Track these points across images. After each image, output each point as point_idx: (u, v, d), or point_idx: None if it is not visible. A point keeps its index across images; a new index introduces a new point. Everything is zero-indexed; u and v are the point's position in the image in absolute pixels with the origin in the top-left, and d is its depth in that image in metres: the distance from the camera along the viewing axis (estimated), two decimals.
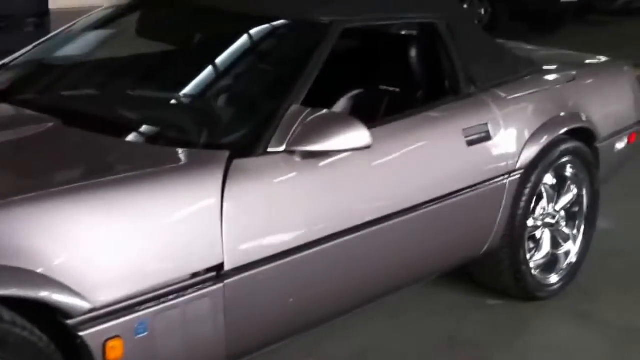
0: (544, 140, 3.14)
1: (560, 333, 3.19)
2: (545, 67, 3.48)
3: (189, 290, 2.09)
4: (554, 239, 3.44)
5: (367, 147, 2.38)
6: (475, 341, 3.08)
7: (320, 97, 3.29)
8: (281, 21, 2.88)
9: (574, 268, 3.46)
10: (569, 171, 3.39)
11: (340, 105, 3.33)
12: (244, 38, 2.85)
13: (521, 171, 3.06)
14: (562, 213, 3.41)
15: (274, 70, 2.85)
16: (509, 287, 3.29)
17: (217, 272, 2.15)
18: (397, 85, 3.24)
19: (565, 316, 3.32)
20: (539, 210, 3.33)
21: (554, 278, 3.39)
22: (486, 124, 2.95)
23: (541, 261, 3.38)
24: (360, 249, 2.56)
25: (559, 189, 3.40)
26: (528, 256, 3.28)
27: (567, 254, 3.47)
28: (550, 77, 3.41)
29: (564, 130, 3.24)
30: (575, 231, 3.48)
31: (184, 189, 2.16)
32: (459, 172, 2.84)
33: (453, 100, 2.97)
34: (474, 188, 2.87)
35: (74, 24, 3.25)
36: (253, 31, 2.86)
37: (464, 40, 3.09)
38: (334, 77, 3.35)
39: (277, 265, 2.28)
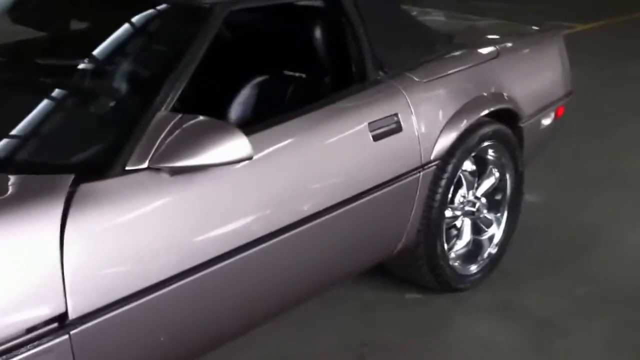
0: (462, 125, 2.92)
1: (481, 327, 3.02)
2: (465, 44, 3.25)
3: (25, 348, 1.75)
4: (475, 226, 3.27)
5: (248, 159, 2.09)
6: (389, 346, 2.89)
7: (220, 88, 3.08)
8: (153, 8, 2.50)
9: (497, 253, 3.30)
10: (490, 155, 3.20)
11: (244, 95, 3.06)
12: (104, 29, 2.46)
13: (437, 162, 2.85)
14: (483, 199, 3.23)
15: (138, 69, 2.45)
16: (428, 281, 3.11)
17: (60, 322, 1.81)
18: (304, 71, 2.97)
19: (487, 307, 3.15)
20: (458, 199, 3.14)
21: (475, 267, 3.22)
22: (396, 114, 2.71)
23: (462, 251, 3.21)
24: (253, 267, 2.29)
25: (479, 174, 3.21)
26: (447, 247, 3.10)
27: (491, 239, 3.30)
28: (470, 55, 3.18)
29: (484, 113, 3.03)
30: (498, 215, 3.31)
31: (14, 227, 1.78)
32: (365, 171, 2.60)
33: (358, 89, 2.72)
34: (382, 186, 2.64)
35: None
36: (117, 20, 2.45)
37: (373, 16, 2.83)
38: (235, 64, 3.10)
39: (139, 304, 1.95)
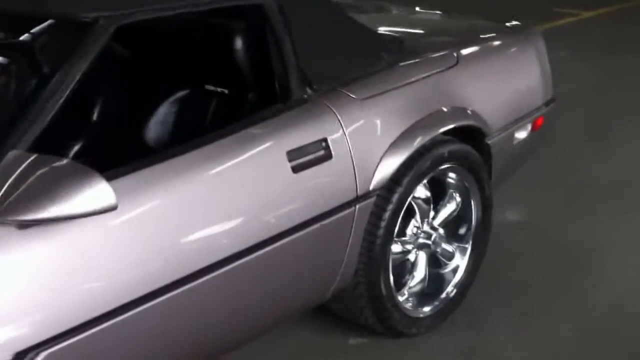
0: (411, 148, 2.50)
1: None
2: (418, 50, 2.81)
3: None
4: (434, 259, 2.85)
5: (112, 209, 1.71)
6: None
7: (139, 106, 2.70)
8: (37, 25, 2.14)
9: (460, 291, 2.88)
10: (450, 178, 2.78)
11: (163, 113, 2.67)
12: None
13: (378, 192, 2.43)
14: (441, 230, 2.81)
15: (4, 97, 2.10)
16: (373, 324, 2.69)
17: None
18: (227, 86, 2.57)
19: (447, 355, 2.74)
20: (410, 231, 2.72)
21: (430, 309, 2.79)
22: (324, 139, 2.29)
23: (417, 288, 2.80)
24: (140, 327, 1.93)
25: (436, 201, 2.79)
26: (395, 286, 2.68)
27: (455, 271, 2.88)
28: (422, 64, 2.73)
29: (439, 131, 2.60)
30: (463, 244, 2.89)
31: None
32: (283, 208, 2.18)
33: (278, 111, 2.29)
34: (305, 226, 2.22)
35: None
36: None
37: (302, 22, 2.40)
38: (154, 80, 2.72)
39: None
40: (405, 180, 2.50)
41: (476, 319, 2.90)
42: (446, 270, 2.89)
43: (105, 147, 2.68)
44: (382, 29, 2.97)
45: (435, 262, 2.86)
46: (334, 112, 2.35)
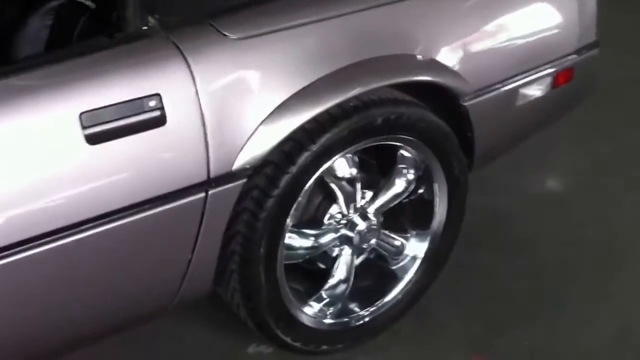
0: (311, 112, 1.74)
1: None
2: None
3: None
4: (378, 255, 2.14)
5: None
6: None
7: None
8: None
9: (410, 296, 2.16)
10: (403, 150, 2.02)
11: (34, 27, 2.06)
12: None
13: (247, 173, 1.71)
14: (373, 219, 2.04)
15: None
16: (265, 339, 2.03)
17: None
18: None
19: None
20: (328, 219, 2.00)
21: (355, 319, 2.09)
22: (155, 96, 1.58)
23: (337, 292, 2.07)
24: None
25: (370, 180, 2.05)
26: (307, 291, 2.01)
27: (404, 270, 2.16)
28: None
29: (360, 89, 1.80)
30: (419, 238, 2.14)
31: None
32: (80, 191, 1.53)
33: (101, 47, 1.59)
34: (115, 216, 1.57)
35: None
36: None
37: None
38: None
39: None
40: (302, 157, 1.76)
41: (419, 331, 2.18)
42: (395, 268, 2.16)
43: None
44: None
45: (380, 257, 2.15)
46: (183, 56, 1.62)
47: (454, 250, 2.20)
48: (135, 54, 1.61)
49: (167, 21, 1.66)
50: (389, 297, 2.13)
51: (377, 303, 2.12)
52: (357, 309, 2.10)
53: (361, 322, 2.10)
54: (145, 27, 1.63)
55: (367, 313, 2.10)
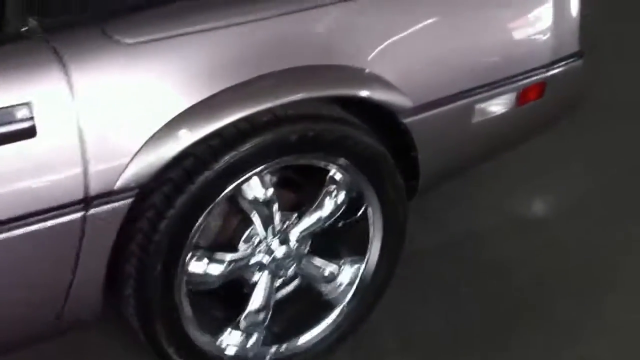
0: (214, 125, 1.57)
1: None
2: None
3: None
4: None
5: None
6: None
7: None
8: None
9: (343, 327, 1.99)
10: (333, 169, 1.84)
11: None
12: None
13: (135, 192, 1.55)
14: (294, 244, 1.86)
15: None
16: None
17: None
18: None
19: None
20: (245, 244, 1.83)
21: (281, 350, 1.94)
22: (24, 105, 1.42)
23: (256, 320, 1.90)
24: None
25: (300, 201, 1.87)
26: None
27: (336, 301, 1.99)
28: None
29: (269, 105, 1.62)
30: (352, 265, 1.97)
31: None
32: None
33: None
34: None
35: None
36: None
37: None
38: None
39: None
40: (203, 176, 1.60)
41: None
42: (328, 297, 1.99)
43: None
44: None
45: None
46: (61, 62, 1.47)
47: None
48: (7, 57, 1.46)
49: (50, 23, 1.51)
50: (318, 329, 1.96)
51: (304, 334, 1.96)
52: (280, 342, 1.94)
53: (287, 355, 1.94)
54: (23, 29, 1.49)
55: (291, 346, 1.94)
